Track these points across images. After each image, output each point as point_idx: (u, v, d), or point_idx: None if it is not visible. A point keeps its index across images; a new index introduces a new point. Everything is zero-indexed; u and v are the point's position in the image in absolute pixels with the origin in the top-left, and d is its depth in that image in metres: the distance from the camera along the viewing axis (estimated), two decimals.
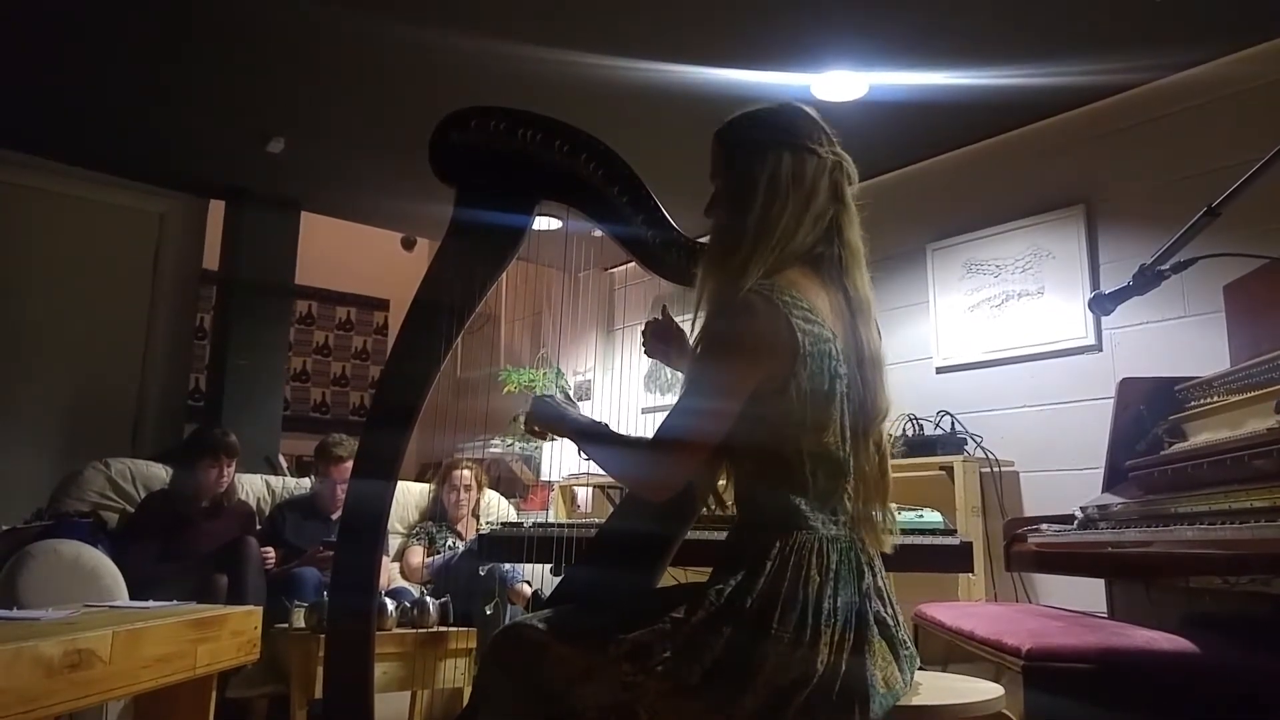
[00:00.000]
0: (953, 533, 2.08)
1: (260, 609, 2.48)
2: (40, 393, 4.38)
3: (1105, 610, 2.41)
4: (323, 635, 2.39)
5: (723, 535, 1.44)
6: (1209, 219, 1.59)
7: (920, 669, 1.41)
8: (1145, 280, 1.68)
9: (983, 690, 1.43)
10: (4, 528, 3.11)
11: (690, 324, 1.40)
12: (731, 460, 1.39)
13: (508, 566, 3.39)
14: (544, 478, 4.98)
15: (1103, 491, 2.31)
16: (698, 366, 1.35)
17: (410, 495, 4.13)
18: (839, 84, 3.30)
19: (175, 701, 2.24)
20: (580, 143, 1.72)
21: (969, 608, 2.43)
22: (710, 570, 1.34)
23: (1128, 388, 2.41)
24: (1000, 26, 2.94)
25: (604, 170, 1.71)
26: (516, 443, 5.17)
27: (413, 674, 2.87)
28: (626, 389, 5.11)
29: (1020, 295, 3.60)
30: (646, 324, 1.78)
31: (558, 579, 1.77)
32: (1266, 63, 3.00)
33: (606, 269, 5.48)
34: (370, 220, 5.28)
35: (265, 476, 3.98)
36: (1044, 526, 2.33)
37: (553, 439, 5.04)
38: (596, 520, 1.92)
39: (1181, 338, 3.09)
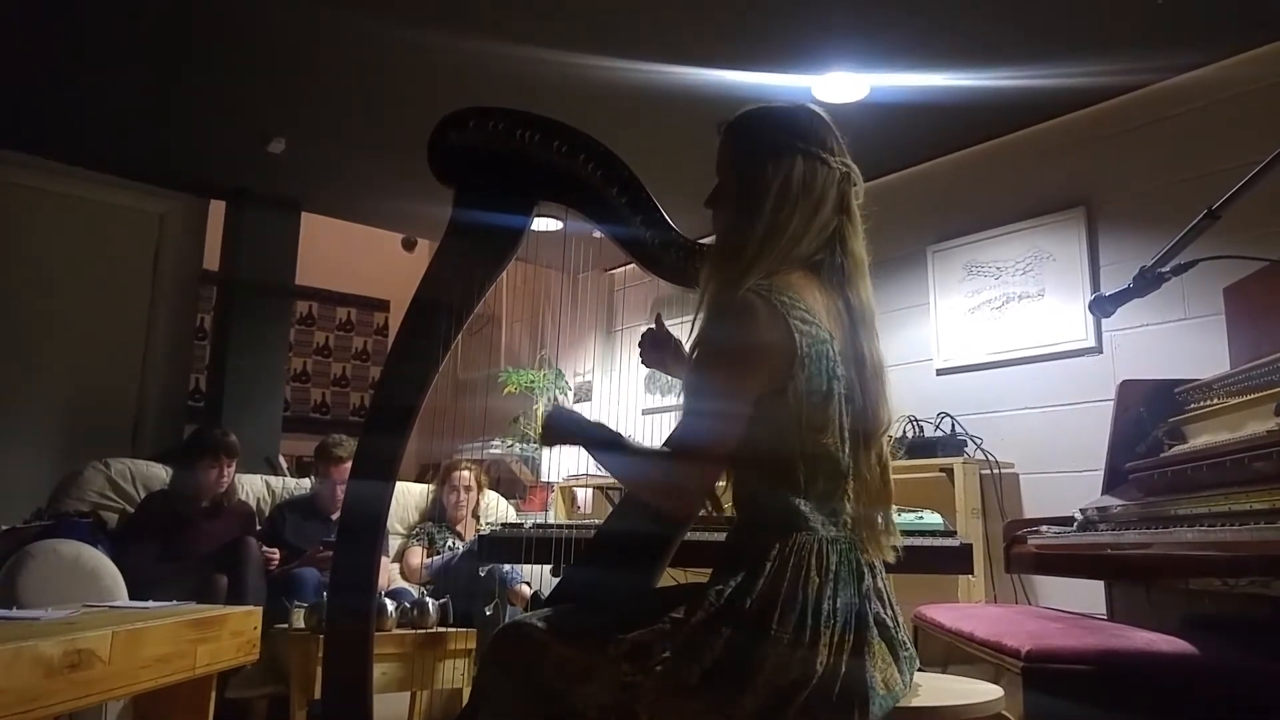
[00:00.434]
0: (952, 534, 2.08)
1: (260, 609, 2.48)
2: (40, 392, 4.39)
3: (1105, 612, 2.41)
4: (322, 636, 2.38)
5: (722, 536, 1.44)
6: (1209, 221, 1.59)
7: (920, 670, 1.41)
8: (1145, 282, 1.68)
9: (982, 692, 1.43)
10: (4, 527, 3.11)
11: (690, 325, 1.40)
12: (731, 462, 1.38)
13: (507, 567, 3.39)
14: (544, 479, 4.98)
15: (1102, 493, 2.31)
16: (701, 370, 1.34)
17: (410, 496, 4.13)
18: (840, 85, 3.30)
19: (175, 702, 2.24)
20: (579, 143, 1.72)
21: (969, 609, 2.43)
22: (710, 571, 1.33)
23: (1128, 390, 2.41)
24: (1001, 28, 2.94)
25: (603, 171, 1.71)
26: (516, 444, 5.17)
27: (412, 674, 2.87)
28: (626, 390, 5.11)
29: (1021, 297, 3.60)
30: (643, 335, 1.78)
31: (557, 580, 1.77)
32: (1267, 65, 3.00)
33: (606, 270, 5.49)
34: (370, 221, 5.28)
35: (265, 477, 3.98)
36: (1044, 528, 2.32)
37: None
38: (596, 521, 1.92)
39: (1181, 340, 3.09)
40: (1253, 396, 1.88)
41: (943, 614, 2.24)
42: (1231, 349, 2.29)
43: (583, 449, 1.52)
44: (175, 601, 2.44)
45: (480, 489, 4.08)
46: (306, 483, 3.88)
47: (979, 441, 3.54)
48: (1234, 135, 3.03)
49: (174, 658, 2.01)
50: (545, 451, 4.97)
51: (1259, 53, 3.02)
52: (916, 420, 3.67)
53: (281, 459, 4.60)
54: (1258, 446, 1.68)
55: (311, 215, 4.97)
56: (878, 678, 1.23)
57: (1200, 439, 2.04)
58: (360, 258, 6.26)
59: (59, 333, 4.46)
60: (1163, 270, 1.66)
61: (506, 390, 5.08)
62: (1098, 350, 3.34)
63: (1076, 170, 3.50)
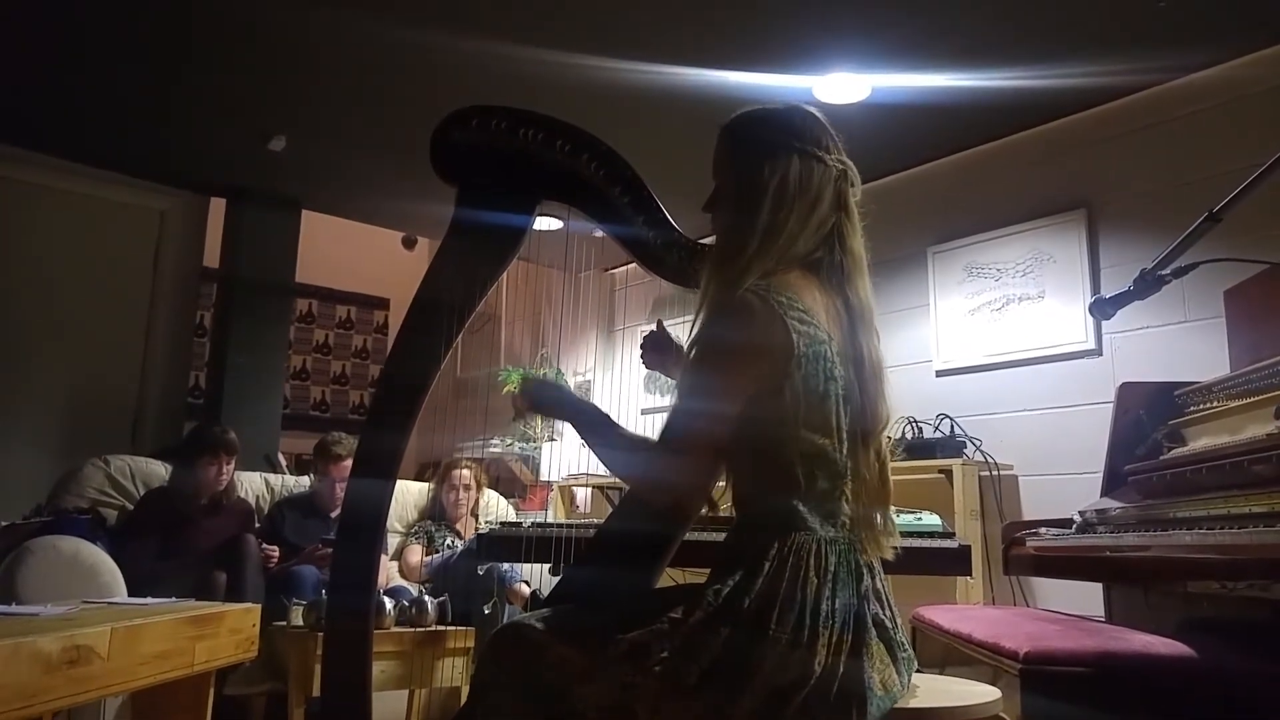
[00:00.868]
0: (951, 536, 2.08)
1: (258, 607, 2.48)
2: (40, 389, 4.38)
3: (1103, 614, 2.41)
4: (321, 633, 2.39)
5: (722, 536, 1.44)
6: (1210, 224, 1.60)
7: (917, 671, 1.41)
8: (1146, 285, 1.68)
9: (980, 693, 1.43)
10: (3, 524, 3.11)
11: (690, 326, 1.40)
12: (730, 462, 1.39)
13: (506, 566, 3.39)
14: (543, 478, 4.98)
15: (1101, 496, 2.31)
16: (696, 368, 1.35)
17: (409, 494, 4.13)
18: (841, 86, 3.30)
19: (173, 698, 2.24)
20: (582, 143, 1.72)
21: (967, 611, 2.43)
22: (708, 571, 1.34)
23: (1127, 392, 2.41)
24: (1002, 30, 2.94)
25: (606, 170, 1.71)
26: (516, 443, 5.17)
27: (410, 673, 2.87)
28: (627, 390, 5.11)
29: (1021, 299, 3.60)
30: (644, 338, 1.78)
31: (556, 579, 1.77)
32: (1269, 67, 3.00)
33: (607, 269, 5.49)
34: (371, 219, 5.28)
35: (264, 474, 3.98)
36: (1042, 530, 2.33)
37: (550, 434, 5.07)
38: (595, 520, 1.92)
39: (1182, 343, 3.09)
40: (1253, 400, 1.88)
41: (941, 615, 2.24)
42: (1232, 352, 2.30)
43: (566, 422, 1.52)
44: (174, 598, 2.44)
45: (479, 488, 4.08)
46: (306, 480, 3.88)
47: (978, 443, 3.55)
48: (1236, 138, 3.03)
49: (172, 654, 2.01)
50: (544, 450, 4.97)
51: (1261, 55, 3.02)
52: (916, 421, 3.67)
53: (281, 457, 4.59)
54: (1257, 450, 1.69)
55: (312, 213, 4.96)
56: (875, 678, 1.23)
57: (1200, 442, 2.04)
58: (360, 256, 6.26)
59: (59, 329, 4.45)
60: (1163, 273, 1.66)
61: (506, 389, 5.08)
62: (1097, 352, 3.34)
63: (1077, 172, 3.50)
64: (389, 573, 3.76)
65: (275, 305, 4.82)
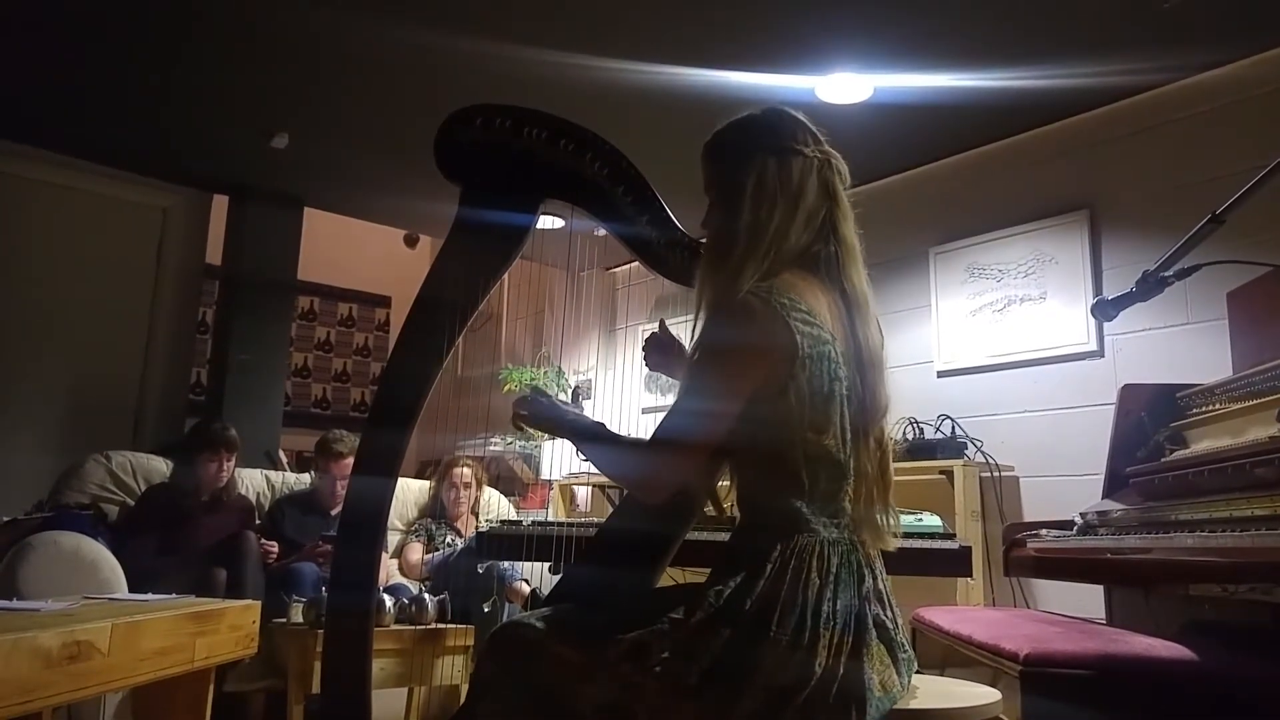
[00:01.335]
0: (952, 537, 2.07)
1: (258, 603, 2.48)
2: (42, 385, 4.39)
3: (1104, 617, 2.41)
4: (320, 630, 2.39)
5: (723, 537, 1.44)
6: (1213, 226, 1.59)
7: (918, 673, 1.41)
8: (1148, 287, 1.68)
9: (980, 695, 1.43)
10: (5, 519, 3.12)
11: (690, 327, 1.40)
12: (733, 463, 1.39)
13: (506, 564, 3.39)
14: (543, 476, 4.98)
15: (1103, 498, 2.31)
16: (695, 369, 1.36)
17: (410, 492, 4.13)
18: (843, 86, 3.29)
19: (173, 694, 2.24)
20: (586, 142, 1.71)
21: (967, 612, 2.43)
22: (709, 571, 1.34)
23: (1129, 394, 2.41)
24: (1005, 30, 2.94)
25: (609, 170, 1.70)
26: (516, 441, 5.17)
27: (410, 670, 2.87)
28: (628, 389, 5.11)
29: (1022, 300, 3.60)
30: (647, 339, 1.78)
31: (556, 577, 1.77)
32: (1273, 69, 3.00)
33: (609, 269, 5.48)
34: (373, 217, 5.28)
35: (265, 471, 3.98)
36: (1043, 532, 2.32)
37: (548, 437, 5.07)
38: (596, 519, 1.92)
39: (1184, 345, 3.09)
40: (1255, 402, 1.88)
41: (941, 616, 2.24)
42: (1234, 354, 2.29)
43: (564, 438, 1.55)
44: (174, 594, 2.44)
45: (480, 486, 4.08)
46: (306, 478, 3.89)
47: (979, 444, 3.54)
48: (1239, 140, 3.03)
49: (172, 650, 2.01)
50: (544, 449, 4.97)
51: (1265, 56, 3.02)
52: (917, 422, 3.67)
53: (281, 454, 4.60)
54: (1259, 452, 1.69)
55: (314, 211, 4.97)
56: (875, 679, 1.23)
57: (1202, 444, 2.04)
58: (362, 254, 6.27)
59: (61, 325, 4.46)
60: (1166, 274, 1.66)
61: (507, 389, 5.08)
62: (1099, 354, 3.34)
63: (1080, 173, 3.50)
64: (389, 570, 3.76)
65: (277, 302, 4.82)
